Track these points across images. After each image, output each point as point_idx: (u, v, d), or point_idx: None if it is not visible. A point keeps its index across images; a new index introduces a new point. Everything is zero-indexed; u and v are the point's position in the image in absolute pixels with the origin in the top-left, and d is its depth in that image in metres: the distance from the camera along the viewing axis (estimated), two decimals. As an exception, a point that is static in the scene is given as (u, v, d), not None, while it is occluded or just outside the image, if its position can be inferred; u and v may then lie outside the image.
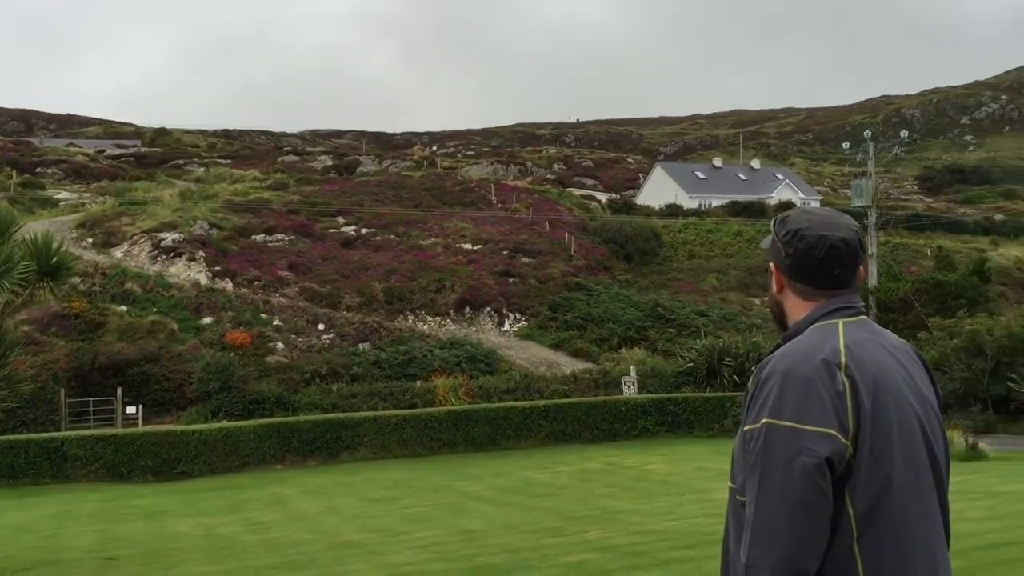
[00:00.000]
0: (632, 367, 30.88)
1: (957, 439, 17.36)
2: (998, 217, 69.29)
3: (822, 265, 2.33)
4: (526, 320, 40.03)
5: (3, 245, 11.61)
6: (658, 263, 53.45)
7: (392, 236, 48.22)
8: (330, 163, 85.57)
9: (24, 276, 11.79)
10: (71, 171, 70.47)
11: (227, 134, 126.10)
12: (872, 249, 31.81)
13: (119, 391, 28.15)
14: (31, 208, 50.52)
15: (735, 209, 65.73)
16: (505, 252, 47.04)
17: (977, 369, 22.93)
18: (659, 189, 78.65)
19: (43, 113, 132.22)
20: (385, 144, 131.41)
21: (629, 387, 29.38)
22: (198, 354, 30.08)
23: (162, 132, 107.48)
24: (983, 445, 17.20)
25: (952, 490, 8.57)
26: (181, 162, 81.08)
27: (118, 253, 41.10)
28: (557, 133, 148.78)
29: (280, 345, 33.11)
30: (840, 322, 2.29)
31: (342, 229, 48.15)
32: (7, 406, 14.86)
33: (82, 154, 78.27)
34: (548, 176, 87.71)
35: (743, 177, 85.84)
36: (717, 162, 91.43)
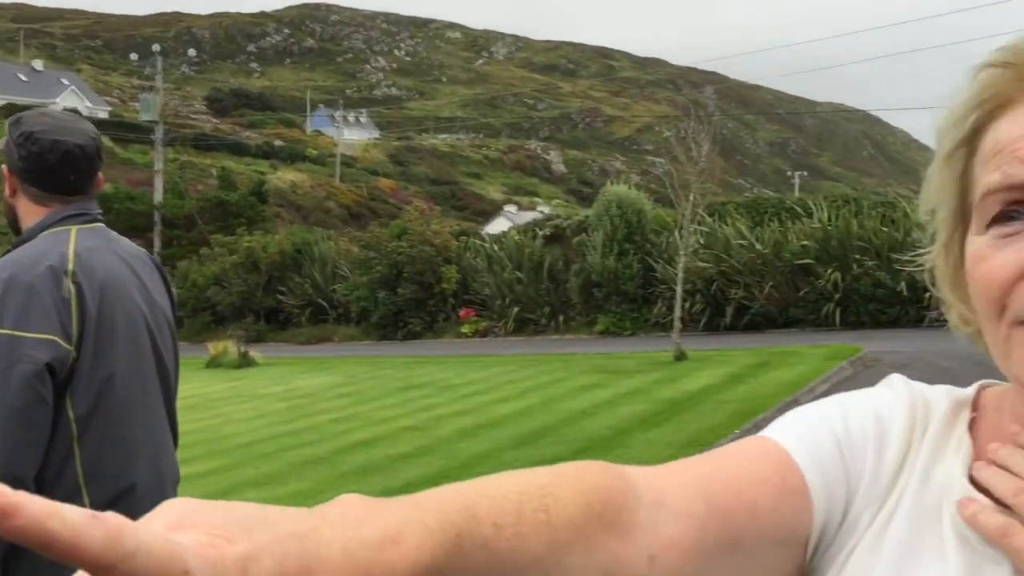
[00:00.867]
0: None
1: (231, 349, 18.59)
2: (278, 143, 74.57)
3: (56, 170, 2.31)
4: None
5: None
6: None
7: None
8: None
9: None
10: None
11: None
12: (159, 165, 31.80)
13: None
14: None
15: (12, 112, 59.80)
16: None
17: (252, 283, 24.68)
18: (-83, 80, 67.76)
19: None
20: None
21: None
22: None
23: None
24: (254, 353, 18.69)
25: (224, 396, 9.26)
26: None
27: None
28: None
29: None
30: (73, 228, 2.32)
31: None
32: None
33: None
34: None
35: (24, 78, 78.45)
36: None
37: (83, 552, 0.41)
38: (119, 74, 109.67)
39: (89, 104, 75.68)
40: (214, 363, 18.44)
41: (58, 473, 2.14)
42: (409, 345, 21.11)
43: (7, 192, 2.40)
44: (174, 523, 0.46)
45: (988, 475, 0.71)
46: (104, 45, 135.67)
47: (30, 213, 2.36)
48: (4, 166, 2.38)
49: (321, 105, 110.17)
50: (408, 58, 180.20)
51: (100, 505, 2.17)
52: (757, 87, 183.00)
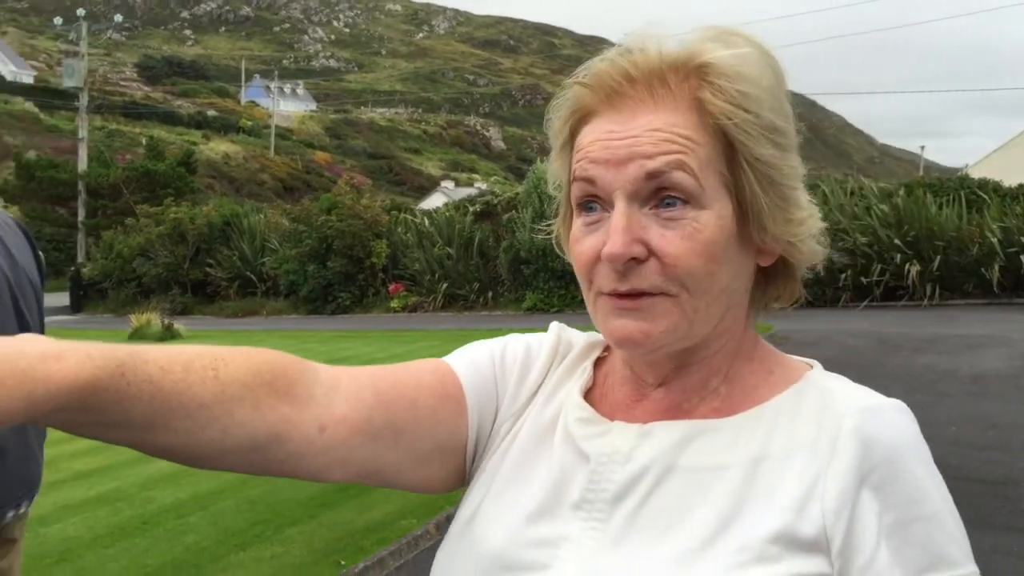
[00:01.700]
0: None
1: (155, 321, 18.35)
2: (211, 113, 73.25)
3: None
4: None
5: None
6: None
7: None
8: None
9: None
10: None
11: None
12: (83, 133, 31.04)
13: None
14: None
15: (-69, 74, 57.74)
16: None
17: (179, 255, 24.32)
18: None
19: None
20: None
21: None
22: None
23: None
24: (179, 326, 18.46)
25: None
26: None
27: None
28: None
29: None
30: (-65, 194, 2.38)
31: None
32: None
33: None
34: None
35: (-58, 39, 75.66)
36: (-91, 16, 78.84)
37: None
38: (46, 38, 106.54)
39: (14, 68, 73.44)
40: (137, 335, 18.18)
41: None
42: (338, 319, 21.06)
43: None
44: None
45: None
46: (31, 7, 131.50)
47: None
48: None
49: (257, 75, 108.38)
50: (347, 30, 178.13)
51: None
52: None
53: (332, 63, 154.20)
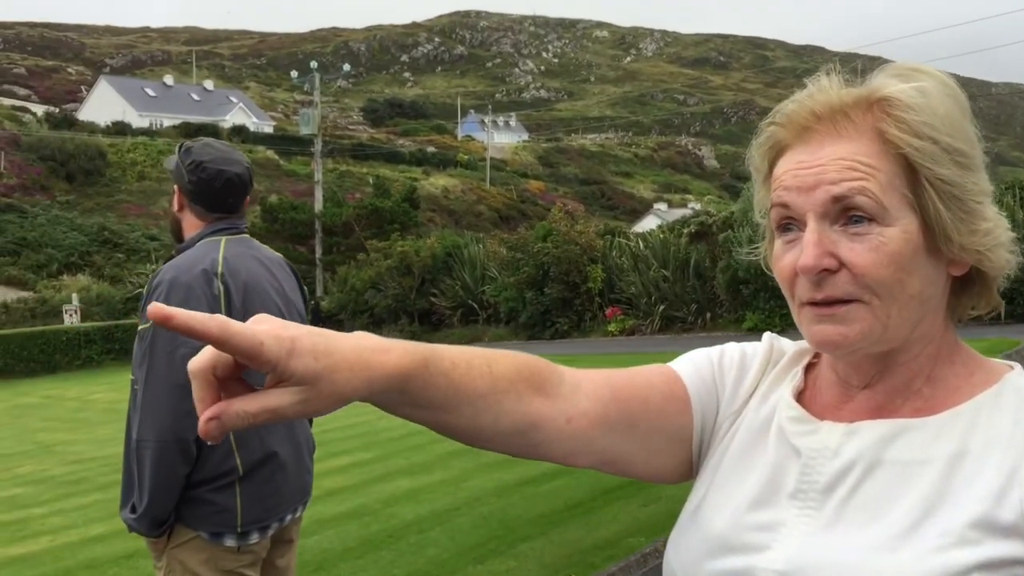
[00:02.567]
0: (74, 295, 29.05)
1: (387, 348, 19.45)
2: (430, 149, 76.66)
3: (219, 194, 2.79)
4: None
5: None
6: (104, 184, 50.31)
7: None
8: None
9: None
10: None
11: None
12: (318, 176, 33.44)
13: None
14: None
15: (188, 131, 63.84)
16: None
17: (406, 286, 25.63)
18: (105, 104, 73.43)
19: None
20: None
21: (71, 316, 27.66)
22: None
23: None
24: (409, 353, 19.50)
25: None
26: None
27: None
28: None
29: None
30: (223, 239, 2.77)
31: None
32: None
33: None
34: (-32, 82, 76.94)
35: (196, 97, 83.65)
36: (169, 80, 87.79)
37: (209, 334, 0.76)
38: (282, 90, 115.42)
39: (255, 120, 79.95)
40: (371, 363, 19.34)
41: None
42: (556, 344, 21.44)
43: (175, 206, 2.88)
44: (256, 322, 0.81)
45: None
46: (268, 63, 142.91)
47: (192, 225, 2.83)
48: (175, 185, 2.85)
49: (471, 110, 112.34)
50: (556, 60, 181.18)
51: (250, 465, 2.60)
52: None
53: (543, 93, 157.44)
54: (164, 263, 2.74)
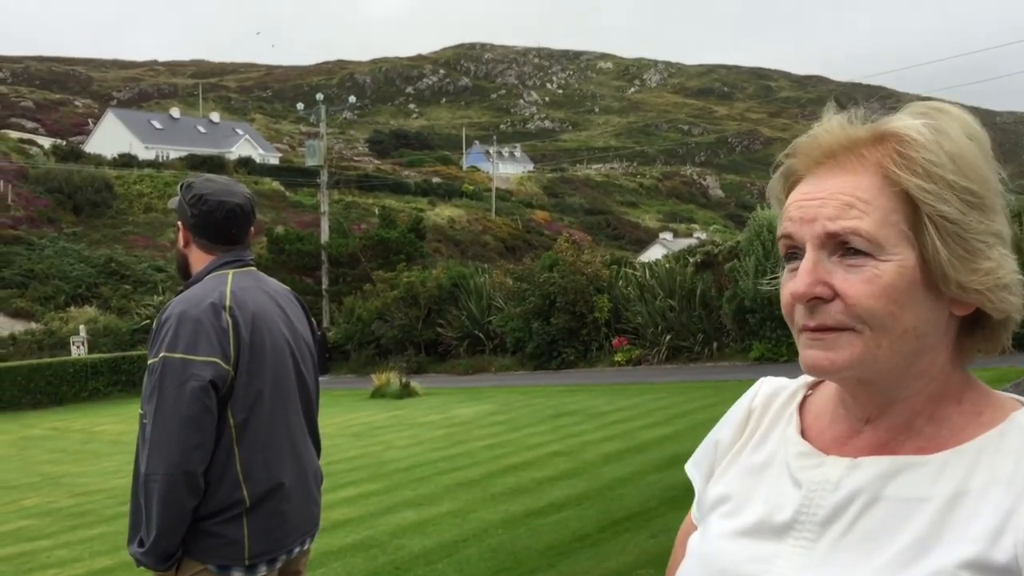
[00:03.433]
0: (82, 326, 29.11)
1: (393, 380, 19.43)
2: (435, 180, 76.97)
3: (222, 225, 2.80)
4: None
5: None
6: (111, 216, 50.54)
7: None
8: None
9: None
10: None
11: None
12: (324, 207, 33.57)
13: None
14: None
15: (194, 162, 64.30)
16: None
17: (413, 316, 25.65)
18: (112, 137, 73.91)
19: None
20: None
21: (78, 347, 27.69)
22: None
23: None
24: (415, 384, 19.44)
25: (386, 424, 9.86)
26: None
27: None
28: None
29: None
30: (231, 272, 2.78)
31: None
32: None
33: None
34: (-23, 115, 77.54)
35: (202, 130, 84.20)
36: (175, 112, 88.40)
37: None
38: (288, 122, 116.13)
39: (262, 152, 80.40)
40: (378, 393, 19.31)
41: (222, 471, 2.57)
42: (563, 374, 21.41)
43: (180, 243, 2.89)
44: None
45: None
46: (274, 95, 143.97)
47: (199, 260, 2.84)
48: (179, 222, 2.88)
49: (476, 141, 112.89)
50: (560, 91, 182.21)
51: (257, 497, 2.60)
52: (929, 99, 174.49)
53: (547, 124, 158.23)
54: (173, 297, 2.75)
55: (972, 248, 0.93)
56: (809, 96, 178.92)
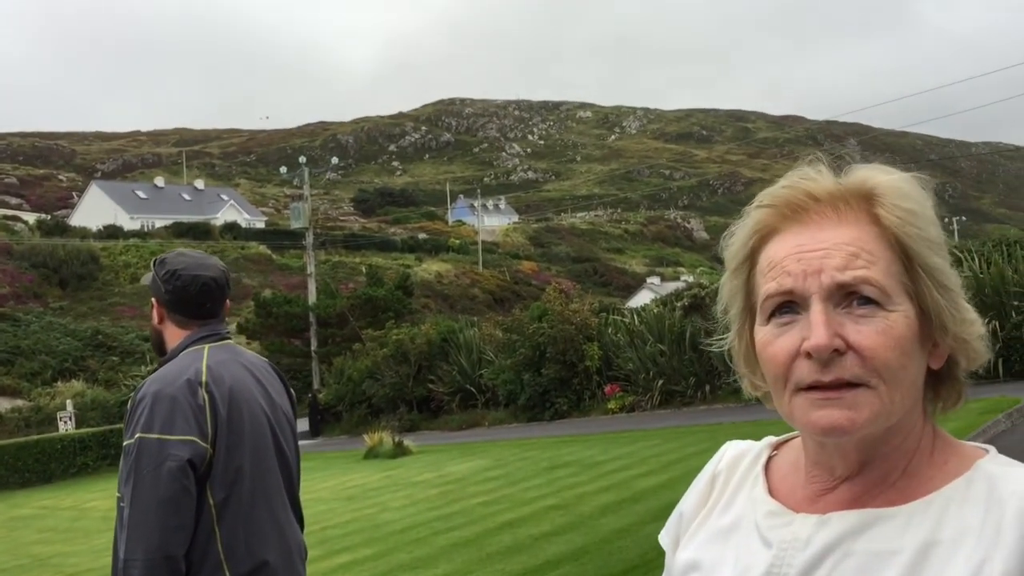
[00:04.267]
0: (69, 401, 28.85)
1: (386, 439, 19.23)
2: (422, 236, 77.23)
3: (196, 299, 2.77)
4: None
5: None
6: (98, 288, 50.50)
7: None
8: None
9: None
10: None
11: None
12: (311, 269, 33.58)
13: None
14: None
15: (180, 230, 64.46)
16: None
17: (403, 374, 25.52)
18: (97, 209, 74.09)
19: None
20: None
21: (66, 423, 27.41)
22: None
23: None
24: (408, 442, 19.26)
25: (380, 485, 9.78)
26: None
27: None
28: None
29: None
30: (206, 347, 2.74)
31: None
32: None
33: None
34: (-40, 193, 77.72)
35: (187, 197, 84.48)
36: (159, 181, 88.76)
37: None
38: (273, 185, 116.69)
39: (247, 216, 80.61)
40: (371, 454, 19.12)
41: (203, 552, 2.51)
42: (557, 425, 21.28)
43: (155, 320, 2.86)
44: None
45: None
46: (258, 159, 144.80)
47: (174, 336, 2.81)
48: (153, 298, 2.84)
49: (461, 195, 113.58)
50: (542, 141, 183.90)
51: (241, 576, 2.53)
52: (904, 134, 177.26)
53: (530, 175, 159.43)
54: (148, 375, 2.71)
55: (956, 300, 0.94)
56: (787, 136, 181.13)
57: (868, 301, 0.91)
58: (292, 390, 3.03)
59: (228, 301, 2.91)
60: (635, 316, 23.57)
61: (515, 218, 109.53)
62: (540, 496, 10.92)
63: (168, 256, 2.87)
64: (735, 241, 1.02)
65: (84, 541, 13.91)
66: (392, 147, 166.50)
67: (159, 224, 69.76)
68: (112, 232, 62.18)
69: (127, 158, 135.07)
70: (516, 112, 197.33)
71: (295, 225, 35.53)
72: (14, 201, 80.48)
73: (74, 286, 49.01)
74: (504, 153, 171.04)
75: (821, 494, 1.00)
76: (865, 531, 0.93)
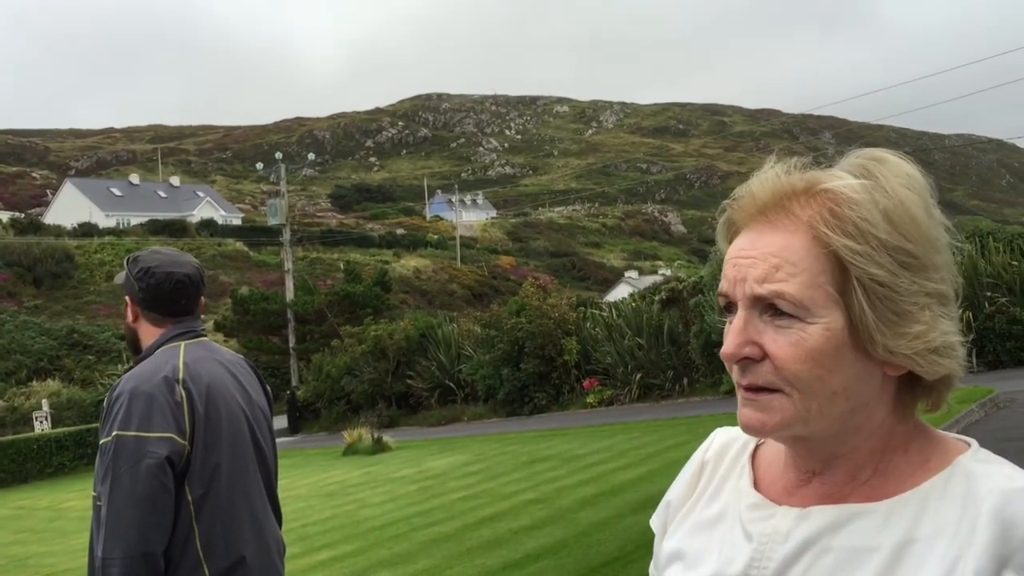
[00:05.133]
0: (45, 400, 28.60)
1: (365, 436, 19.21)
2: (399, 231, 77.05)
3: (171, 297, 2.77)
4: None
5: None
6: (73, 286, 50.04)
7: None
8: None
9: None
10: None
11: None
12: (288, 265, 33.41)
13: None
14: None
15: (156, 228, 64.00)
16: None
17: (382, 370, 25.47)
18: (71, 207, 73.40)
19: None
20: None
21: (42, 422, 27.17)
22: None
23: None
24: (387, 438, 19.24)
25: (359, 481, 9.77)
26: None
27: None
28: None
29: None
30: (182, 344, 2.74)
31: None
32: None
33: None
34: (-68, 192, 76.77)
35: (163, 195, 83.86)
36: (135, 179, 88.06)
37: None
38: (249, 181, 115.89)
39: (224, 213, 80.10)
40: (350, 451, 19.09)
41: (182, 549, 2.51)
42: (536, 419, 21.31)
43: (130, 318, 2.84)
44: None
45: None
46: (234, 156, 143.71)
47: (149, 334, 2.80)
48: (127, 296, 2.83)
49: (439, 191, 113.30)
50: (519, 136, 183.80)
51: (218, 573, 2.54)
52: (879, 127, 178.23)
53: (508, 170, 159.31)
54: (124, 373, 2.71)
55: (902, 311, 0.92)
56: (763, 129, 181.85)
57: (787, 313, 0.93)
58: (269, 387, 3.04)
59: (203, 299, 2.91)
60: (613, 310, 23.64)
61: (493, 213, 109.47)
62: (519, 490, 10.95)
63: (141, 254, 2.87)
64: (721, 231, 1.04)
65: (61, 541, 13.81)
66: (369, 143, 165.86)
67: (134, 222, 69.20)
68: (87, 230, 61.62)
69: (101, 155, 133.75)
70: (493, 107, 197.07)
71: (272, 222, 35.33)
72: (-14, 199, 79.57)
73: (49, 285, 48.56)
74: (481, 148, 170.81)
75: (798, 486, 1.02)
76: (844, 527, 0.95)
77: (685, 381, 20.52)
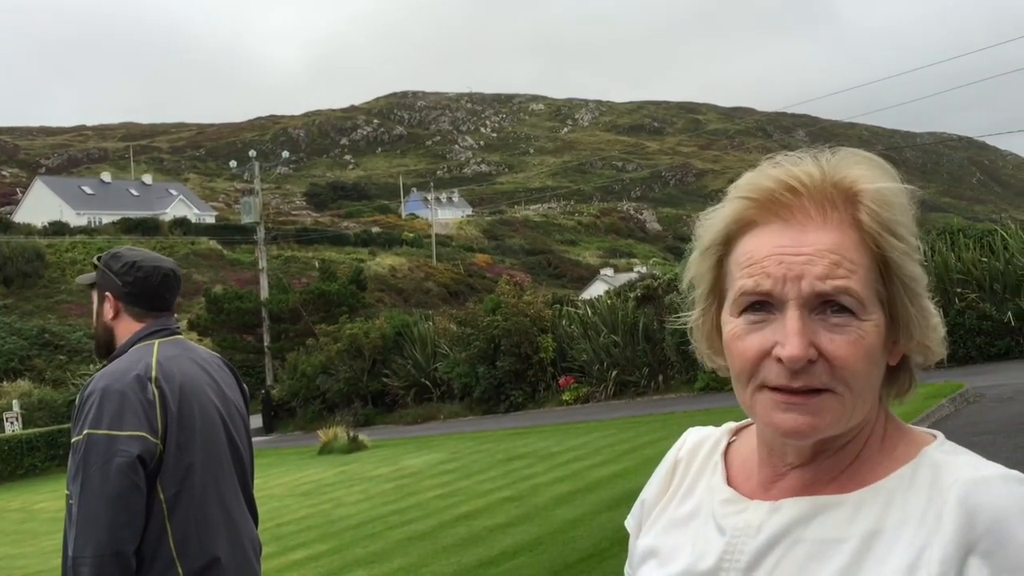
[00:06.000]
0: (15, 401, 28.28)
1: (341, 434, 19.15)
2: (375, 229, 76.80)
3: (157, 290, 2.76)
4: None
5: None
6: (43, 285, 49.50)
7: None
8: None
9: None
10: None
11: None
12: (263, 264, 33.21)
13: None
14: None
15: (128, 226, 63.42)
16: None
17: (358, 368, 25.38)
18: (41, 205, 72.62)
19: None
20: None
21: (12, 423, 26.88)
22: None
23: None
24: (363, 437, 19.19)
25: (335, 480, 9.74)
26: None
27: None
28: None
29: None
30: (156, 342, 2.72)
31: None
32: None
33: None
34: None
35: (135, 193, 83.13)
36: (106, 177, 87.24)
37: None
38: (223, 179, 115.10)
39: (197, 211, 79.53)
40: (326, 449, 19.02)
41: (155, 549, 2.50)
42: (512, 417, 21.32)
43: (108, 315, 2.79)
44: None
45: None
46: (208, 153, 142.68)
47: (128, 330, 2.76)
48: (106, 293, 2.77)
49: (414, 189, 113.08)
50: (495, 134, 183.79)
51: (192, 573, 2.53)
52: (852, 125, 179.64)
53: (483, 168, 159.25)
54: (97, 371, 2.68)
55: (923, 305, 0.95)
56: (737, 127, 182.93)
57: (843, 309, 0.91)
58: (245, 385, 3.03)
59: (179, 298, 2.91)
60: (589, 308, 23.69)
61: (468, 211, 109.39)
62: (495, 488, 10.96)
63: (120, 250, 2.85)
64: (711, 224, 1.01)
65: (33, 543, 13.68)
66: (344, 141, 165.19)
67: (106, 220, 68.54)
68: (58, 228, 60.98)
69: (72, 153, 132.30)
70: (468, 105, 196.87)
71: (246, 220, 35.11)
72: (-45, 198, 78.58)
73: (19, 284, 48.01)
74: (457, 146, 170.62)
75: (773, 480, 1.02)
76: (815, 518, 0.96)
77: (660, 378, 20.60)
